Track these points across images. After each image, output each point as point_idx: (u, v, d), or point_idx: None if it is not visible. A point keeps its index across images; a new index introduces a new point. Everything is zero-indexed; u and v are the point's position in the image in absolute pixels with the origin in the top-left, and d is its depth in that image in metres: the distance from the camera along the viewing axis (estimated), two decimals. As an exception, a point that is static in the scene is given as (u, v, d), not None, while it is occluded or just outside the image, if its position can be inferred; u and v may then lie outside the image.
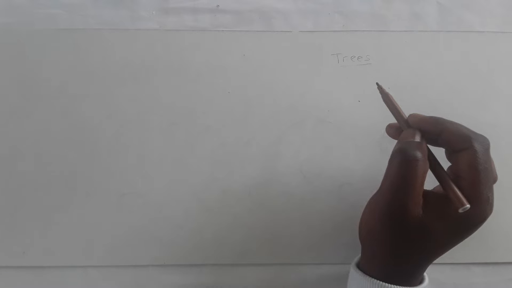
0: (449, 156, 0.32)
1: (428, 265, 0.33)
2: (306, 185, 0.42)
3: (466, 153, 0.30)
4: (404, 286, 0.32)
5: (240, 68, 0.44)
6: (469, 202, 0.29)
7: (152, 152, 0.43)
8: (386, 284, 0.31)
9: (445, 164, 0.33)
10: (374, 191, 0.42)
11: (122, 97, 0.44)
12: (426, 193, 0.31)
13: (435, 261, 0.40)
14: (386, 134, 0.43)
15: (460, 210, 0.29)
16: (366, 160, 0.43)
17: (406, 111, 0.41)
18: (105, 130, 0.43)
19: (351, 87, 0.44)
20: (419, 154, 0.30)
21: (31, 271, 0.41)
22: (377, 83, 0.35)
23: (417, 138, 0.31)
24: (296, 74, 0.44)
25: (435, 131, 0.31)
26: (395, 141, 0.42)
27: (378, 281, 0.32)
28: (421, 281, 0.34)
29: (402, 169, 0.30)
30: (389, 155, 0.42)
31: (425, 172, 0.30)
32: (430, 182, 0.33)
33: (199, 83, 0.44)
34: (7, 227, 0.41)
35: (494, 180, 0.31)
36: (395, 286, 0.31)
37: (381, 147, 0.43)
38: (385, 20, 0.45)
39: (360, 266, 0.35)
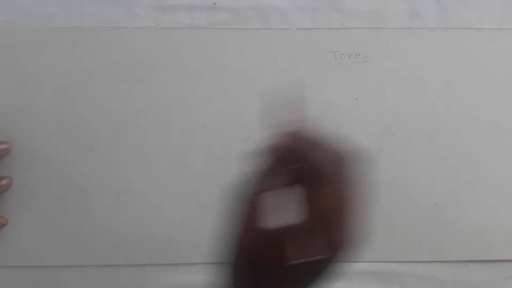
0: None
1: None
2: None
3: (330, 190, 0.25)
4: None
5: (237, 66, 0.44)
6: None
7: (149, 150, 0.42)
8: None
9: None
10: (373, 189, 0.42)
11: (119, 95, 0.43)
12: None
13: (431, 259, 0.41)
14: (384, 132, 0.43)
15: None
16: (364, 158, 0.42)
17: (404, 108, 0.41)
18: (103, 129, 0.43)
19: (348, 85, 0.44)
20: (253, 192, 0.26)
21: (29, 270, 0.41)
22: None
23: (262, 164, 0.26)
24: (293, 71, 0.44)
25: (308, 156, 0.26)
26: (395, 139, 0.42)
27: None
28: None
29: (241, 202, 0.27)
30: (388, 153, 0.42)
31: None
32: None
33: (196, 81, 0.44)
34: (6, 226, 0.41)
35: None
36: None
37: (379, 145, 0.43)
38: (383, 17, 0.45)
39: None
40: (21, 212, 0.41)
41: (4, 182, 0.41)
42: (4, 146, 0.41)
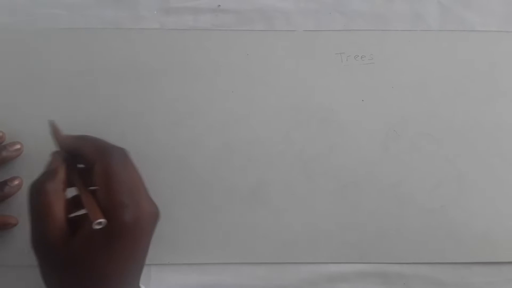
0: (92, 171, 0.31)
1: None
2: (310, 185, 0.42)
3: (98, 164, 0.30)
4: None
5: (243, 67, 0.44)
6: (105, 209, 0.28)
7: (155, 151, 0.42)
8: None
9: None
10: (378, 191, 0.43)
11: (125, 96, 0.43)
12: (80, 223, 0.30)
13: (435, 261, 0.41)
14: (390, 134, 0.43)
15: (95, 226, 0.27)
16: (369, 159, 0.43)
17: (410, 109, 0.41)
18: (108, 129, 0.42)
19: (354, 86, 0.44)
20: (47, 186, 0.29)
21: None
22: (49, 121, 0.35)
23: (52, 167, 0.31)
24: (299, 73, 0.44)
25: (76, 148, 0.32)
26: (400, 140, 0.42)
27: None
28: None
29: (32, 205, 0.30)
30: (393, 155, 0.43)
31: (59, 198, 0.30)
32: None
33: (202, 83, 0.44)
34: (16, 226, 0.41)
35: (133, 186, 0.30)
36: None
37: (385, 146, 0.43)
38: (386, 19, 0.46)
39: None
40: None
41: (15, 182, 0.41)
42: (17, 147, 0.42)
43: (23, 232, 0.41)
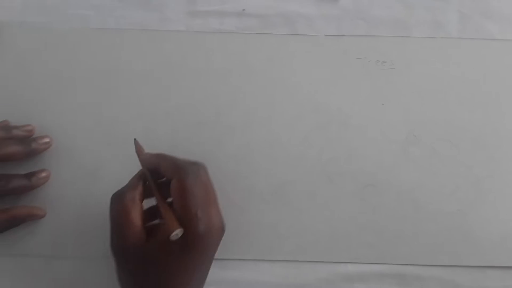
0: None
1: None
2: (330, 186, 0.43)
3: (175, 180, 0.33)
4: None
5: (266, 70, 0.45)
6: (180, 220, 0.32)
7: (178, 150, 0.43)
8: None
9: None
10: (396, 194, 0.43)
11: (150, 97, 0.45)
12: (155, 229, 0.34)
13: (451, 264, 0.41)
14: (409, 138, 0.44)
15: (173, 236, 0.31)
16: (389, 163, 0.44)
17: (429, 115, 0.42)
18: (133, 129, 0.44)
19: (375, 91, 0.45)
20: (126, 197, 0.34)
21: (64, 260, 0.42)
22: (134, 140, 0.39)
23: (133, 181, 0.35)
24: (321, 77, 0.45)
25: (155, 165, 0.35)
26: (419, 145, 0.43)
27: None
28: None
29: (113, 212, 0.34)
30: (412, 159, 0.43)
31: (137, 207, 0.33)
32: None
33: (226, 84, 0.45)
34: (44, 218, 0.42)
35: (207, 200, 0.34)
36: None
37: (404, 151, 0.44)
38: (407, 26, 0.47)
39: None
40: (57, 204, 0.43)
41: (43, 174, 0.42)
42: (46, 140, 0.43)
43: (49, 224, 0.42)
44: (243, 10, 0.47)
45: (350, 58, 0.45)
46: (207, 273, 0.37)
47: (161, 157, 0.36)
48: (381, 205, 0.43)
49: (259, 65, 0.45)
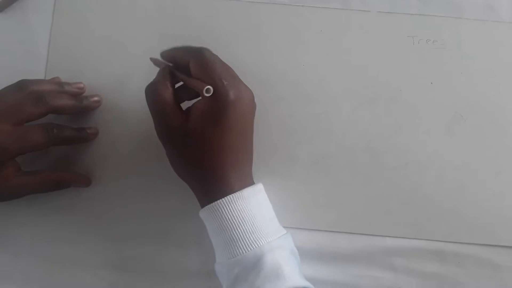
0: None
1: (233, 165, 0.37)
2: (372, 161, 0.44)
3: (192, 60, 0.36)
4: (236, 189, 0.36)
5: (316, 43, 0.45)
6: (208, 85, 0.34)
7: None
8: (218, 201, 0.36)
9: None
10: (439, 171, 0.44)
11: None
12: (191, 108, 0.37)
13: (490, 243, 0.42)
14: (456, 117, 0.44)
15: (205, 93, 0.34)
16: (433, 140, 0.44)
17: (477, 96, 0.42)
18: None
19: (424, 69, 0.45)
20: (158, 85, 0.37)
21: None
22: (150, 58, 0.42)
23: (159, 73, 0.38)
24: (370, 52, 0.45)
25: (172, 56, 0.39)
26: (465, 125, 0.43)
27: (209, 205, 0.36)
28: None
29: (149, 103, 0.37)
30: (457, 138, 0.44)
31: (168, 90, 0.37)
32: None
33: (275, 55, 0.45)
34: (92, 175, 0.43)
35: (228, 73, 0.37)
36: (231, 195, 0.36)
37: (450, 129, 0.44)
38: (460, 7, 0.46)
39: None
40: (104, 161, 0.44)
41: (93, 130, 0.44)
42: (96, 98, 0.44)
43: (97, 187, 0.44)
44: (296, -18, 0.47)
45: (401, 36, 0.45)
46: (251, 148, 0.39)
47: (175, 49, 0.38)
48: (423, 182, 0.43)
49: (310, 38, 0.46)
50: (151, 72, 0.44)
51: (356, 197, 0.43)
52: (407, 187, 0.43)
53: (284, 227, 0.43)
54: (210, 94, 0.34)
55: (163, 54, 0.40)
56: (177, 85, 0.38)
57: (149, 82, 0.38)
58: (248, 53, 0.45)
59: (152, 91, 0.37)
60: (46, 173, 0.41)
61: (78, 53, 0.46)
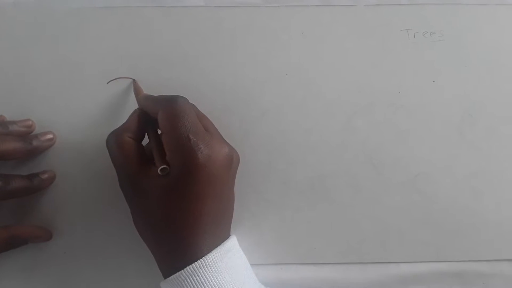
0: None
1: (197, 226, 0.31)
2: (377, 176, 0.39)
3: (161, 111, 0.32)
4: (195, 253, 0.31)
5: (298, 47, 0.40)
6: (174, 150, 0.31)
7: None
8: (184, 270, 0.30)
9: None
10: (453, 182, 0.39)
11: (168, 80, 0.40)
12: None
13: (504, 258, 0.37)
14: (465, 118, 0.39)
15: (159, 173, 0.31)
16: (443, 146, 0.39)
17: (486, 92, 0.37)
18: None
19: (424, 66, 0.40)
20: (119, 135, 0.33)
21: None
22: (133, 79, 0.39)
23: (127, 120, 0.34)
24: (361, 53, 0.40)
25: (145, 105, 0.35)
26: (477, 125, 0.39)
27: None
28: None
29: (110, 148, 0.33)
30: (469, 142, 0.39)
31: (130, 146, 0.33)
32: None
33: (253, 65, 0.40)
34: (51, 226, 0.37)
35: (198, 128, 0.32)
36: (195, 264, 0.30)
37: (460, 133, 0.39)
38: (455, -7, 0.41)
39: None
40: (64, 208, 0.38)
41: (47, 175, 0.38)
42: (49, 137, 0.38)
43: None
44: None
45: (394, 30, 0.40)
46: (229, 205, 0.34)
47: (147, 97, 0.35)
48: (436, 195, 0.38)
49: (290, 42, 0.40)
50: (112, 101, 0.39)
51: (362, 221, 0.38)
52: (419, 203, 0.38)
53: (285, 264, 0.38)
54: (165, 174, 0.31)
55: (139, 100, 0.36)
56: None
57: (110, 122, 0.35)
58: (222, 66, 0.40)
59: (113, 141, 0.33)
60: None
61: (23, 86, 0.39)
